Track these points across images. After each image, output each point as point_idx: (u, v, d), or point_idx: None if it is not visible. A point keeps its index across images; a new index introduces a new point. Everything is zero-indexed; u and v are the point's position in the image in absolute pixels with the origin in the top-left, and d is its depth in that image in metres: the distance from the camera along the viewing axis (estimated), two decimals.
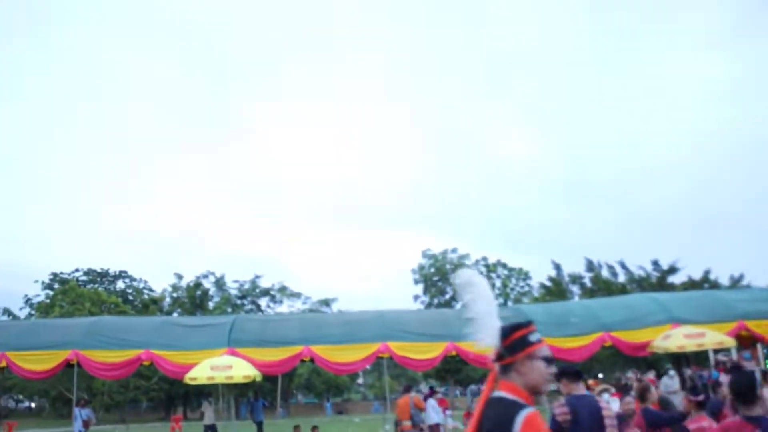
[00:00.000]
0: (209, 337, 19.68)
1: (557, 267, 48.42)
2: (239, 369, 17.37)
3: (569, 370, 6.46)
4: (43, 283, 63.32)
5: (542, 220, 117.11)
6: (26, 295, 62.21)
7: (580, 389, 6.26)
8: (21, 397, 67.16)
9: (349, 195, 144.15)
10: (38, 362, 19.52)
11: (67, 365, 19.79)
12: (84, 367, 19.59)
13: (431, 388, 23.57)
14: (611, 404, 18.53)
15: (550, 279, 48.44)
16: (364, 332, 19.79)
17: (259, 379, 17.97)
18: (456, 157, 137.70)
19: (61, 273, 66.09)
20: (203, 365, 17.58)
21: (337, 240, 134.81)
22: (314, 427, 20.18)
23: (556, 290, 46.07)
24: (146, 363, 19.45)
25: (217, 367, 17.34)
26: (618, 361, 39.55)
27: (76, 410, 20.37)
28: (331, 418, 50.62)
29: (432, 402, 19.88)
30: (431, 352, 19.67)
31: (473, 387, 64.44)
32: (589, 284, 45.81)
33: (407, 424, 15.66)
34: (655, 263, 43.68)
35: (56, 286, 61.19)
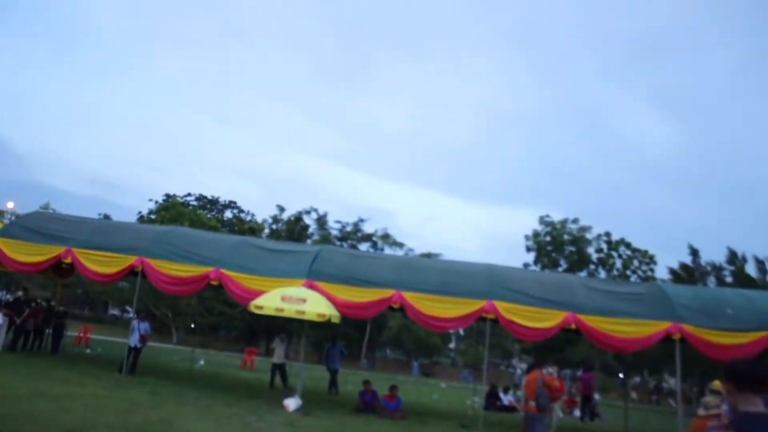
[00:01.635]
0: (288, 264, 17.02)
1: (694, 253, 42.53)
2: (314, 305, 14.49)
3: (741, 371, 3.53)
4: (156, 202, 63.91)
5: (675, 211, 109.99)
6: (140, 212, 63.21)
7: (755, 405, 3.39)
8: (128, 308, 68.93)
9: (471, 165, 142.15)
10: (102, 264, 17.73)
11: (132, 272, 17.78)
12: (148, 276, 17.45)
13: (530, 365, 20.07)
14: None
15: (682, 266, 42.63)
16: (468, 285, 16.46)
17: (336, 320, 15.01)
18: (587, 138, 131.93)
19: (175, 195, 66.69)
20: (273, 294, 14.87)
21: (451, 206, 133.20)
22: (393, 387, 17.14)
23: (687, 279, 40.33)
24: (214, 282, 17.01)
25: (289, 298, 14.55)
26: None
27: (134, 323, 18.27)
28: (416, 378, 47.91)
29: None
30: (547, 320, 16.11)
31: (568, 371, 59.72)
32: (728, 278, 39.81)
33: (532, 404, 12.47)
34: None
35: None
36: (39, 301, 22.64)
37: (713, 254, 74.61)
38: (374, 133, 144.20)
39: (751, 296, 17.97)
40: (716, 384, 11.36)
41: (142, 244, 17.82)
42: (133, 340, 17.89)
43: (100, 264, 17.73)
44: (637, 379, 57.78)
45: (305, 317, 14.36)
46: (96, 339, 31.30)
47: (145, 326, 18.35)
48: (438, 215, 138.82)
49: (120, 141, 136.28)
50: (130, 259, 17.39)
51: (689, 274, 41.50)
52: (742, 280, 38.11)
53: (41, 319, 21.13)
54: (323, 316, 14.34)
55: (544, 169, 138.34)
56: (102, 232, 18.89)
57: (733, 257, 40.78)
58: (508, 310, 15.97)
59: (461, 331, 69.56)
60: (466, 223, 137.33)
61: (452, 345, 78.54)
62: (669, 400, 47.35)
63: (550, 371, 13.23)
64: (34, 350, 20.80)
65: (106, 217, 51.97)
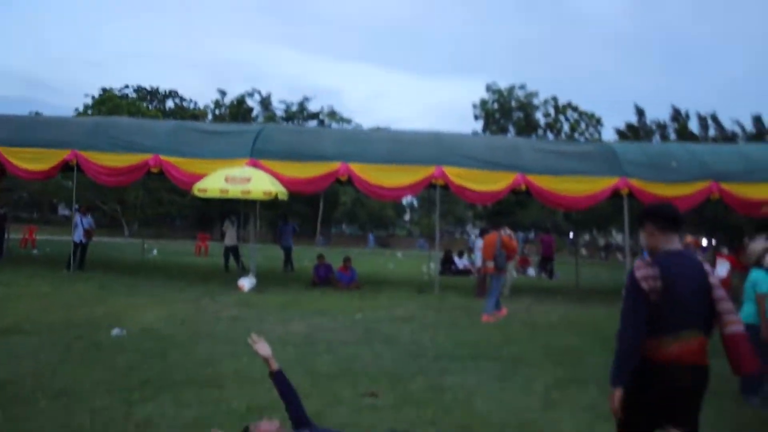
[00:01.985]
0: (229, 145, 16.50)
1: (639, 113, 42.77)
2: (259, 183, 14.14)
3: (663, 212, 3.67)
4: (92, 97, 60.84)
5: (621, 74, 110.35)
6: (76, 108, 60.21)
7: (674, 243, 3.58)
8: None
9: (415, 38, 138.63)
10: (33, 161, 16.85)
11: (67, 167, 16.97)
12: (84, 169, 16.79)
13: (482, 229, 20.38)
14: (721, 269, 14.87)
15: (628, 126, 43.05)
16: (416, 153, 16.30)
17: (283, 197, 14.73)
18: (532, 5, 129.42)
19: (111, 88, 63.53)
20: (216, 175, 14.44)
21: (398, 82, 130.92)
22: (347, 259, 17.16)
23: (633, 138, 40.82)
24: (155, 170, 16.41)
25: (233, 179, 14.14)
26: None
27: (77, 217, 17.69)
28: (372, 250, 48.58)
29: (480, 243, 16.71)
30: (496, 182, 16.15)
31: (521, 234, 61.17)
32: (672, 136, 40.44)
33: (490, 265, 12.86)
34: (757, 119, 37.72)
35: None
36: None
37: (658, 113, 75.74)
38: (314, 13, 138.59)
39: (694, 149, 18.36)
40: None
41: (74, 138, 16.89)
42: (78, 236, 17.39)
43: (30, 161, 16.80)
44: (587, 237, 59.72)
45: (251, 197, 14.06)
46: (44, 239, 30.57)
47: (88, 221, 17.80)
48: (385, 91, 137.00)
49: (48, 36, 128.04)
50: (63, 154, 16.50)
51: (634, 133, 42.00)
52: (685, 136, 38.75)
53: None
54: (269, 193, 14.02)
55: (489, 37, 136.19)
56: (30, 128, 17.82)
57: (676, 115, 41.29)
58: (457, 174, 15.90)
59: (415, 202, 70.40)
60: (413, 97, 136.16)
61: (407, 216, 79.59)
62: (617, 254, 49.28)
63: (508, 233, 13.41)
64: None
65: (37, 114, 49.42)
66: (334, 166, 15.70)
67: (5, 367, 6.50)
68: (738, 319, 3.52)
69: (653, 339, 3.38)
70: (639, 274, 3.42)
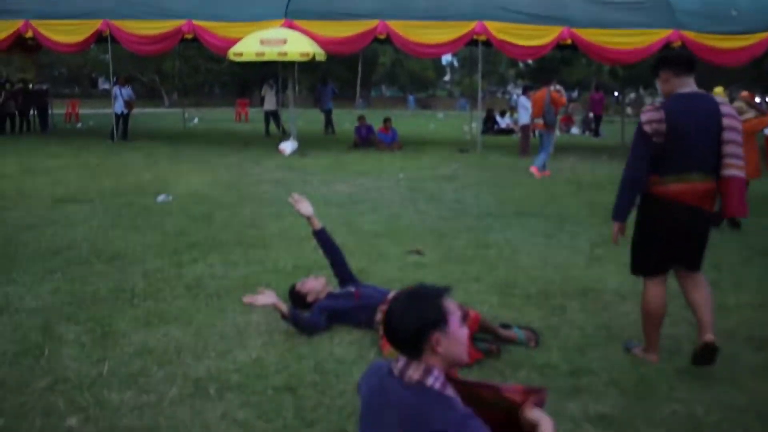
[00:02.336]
0: (263, 6, 16.08)
1: None
2: (295, 44, 13.88)
3: (677, 56, 3.74)
4: None
5: None
6: None
7: (689, 86, 3.53)
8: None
9: None
10: (66, 33, 16.76)
11: (101, 38, 16.77)
12: (117, 39, 16.67)
13: (525, 87, 19.74)
14: None
15: None
16: (457, 8, 15.66)
17: (320, 57, 14.47)
18: None
19: None
20: (251, 38, 14.21)
21: None
22: (387, 119, 17.00)
23: None
24: (188, 36, 16.20)
25: (269, 41, 13.91)
26: None
27: (115, 89, 17.71)
28: (413, 112, 47.80)
29: (523, 101, 16.22)
30: (541, 37, 15.50)
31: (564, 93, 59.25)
32: None
33: (539, 122, 12.74)
34: None
35: None
36: (13, 82, 21.71)
37: None
38: None
39: None
40: (717, 91, 10.99)
41: (105, 6, 16.53)
42: (118, 107, 17.51)
43: (63, 33, 16.64)
44: (633, 95, 57.64)
45: (288, 58, 13.88)
46: (87, 113, 30.84)
47: (127, 92, 17.82)
48: None
49: None
50: (95, 24, 16.26)
51: None
52: None
53: (21, 101, 20.47)
54: (307, 54, 13.76)
55: None
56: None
57: None
58: (499, 29, 15.30)
59: (455, 63, 68.44)
60: None
61: (447, 77, 77.70)
62: None
63: (557, 88, 13.02)
64: (23, 133, 20.35)
65: None
66: (372, 24, 15.22)
67: (62, 233, 6.70)
68: (739, 164, 3.51)
69: (658, 176, 3.50)
70: (644, 117, 3.52)
